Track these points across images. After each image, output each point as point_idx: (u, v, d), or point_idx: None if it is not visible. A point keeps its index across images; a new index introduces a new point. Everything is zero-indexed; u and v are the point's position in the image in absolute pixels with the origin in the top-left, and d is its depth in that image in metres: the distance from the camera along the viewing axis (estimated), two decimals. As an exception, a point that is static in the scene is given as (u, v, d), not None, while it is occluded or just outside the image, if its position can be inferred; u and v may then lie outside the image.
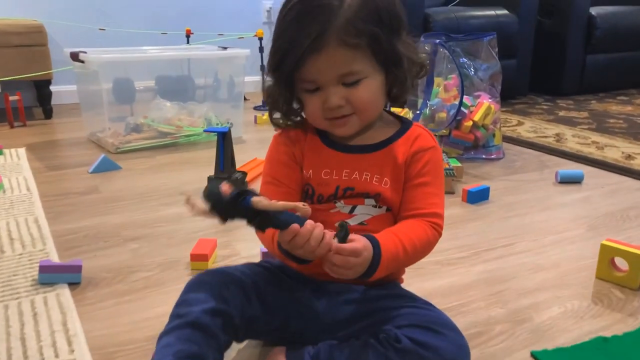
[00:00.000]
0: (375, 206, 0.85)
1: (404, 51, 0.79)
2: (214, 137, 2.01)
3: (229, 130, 1.66)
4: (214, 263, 1.26)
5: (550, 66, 3.46)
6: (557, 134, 2.51)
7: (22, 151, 2.20)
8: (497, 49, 2.10)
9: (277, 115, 0.86)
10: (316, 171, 0.85)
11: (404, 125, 0.88)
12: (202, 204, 0.66)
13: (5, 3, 3.01)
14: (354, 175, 0.84)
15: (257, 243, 1.27)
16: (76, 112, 2.59)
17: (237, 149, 1.82)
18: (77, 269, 1.17)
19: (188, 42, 3.22)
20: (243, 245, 1.35)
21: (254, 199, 0.67)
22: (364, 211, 0.85)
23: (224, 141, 1.66)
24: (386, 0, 0.77)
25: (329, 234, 0.72)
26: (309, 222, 0.70)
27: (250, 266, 0.87)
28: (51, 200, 1.67)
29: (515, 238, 1.42)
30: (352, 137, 0.85)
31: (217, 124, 2.50)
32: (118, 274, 1.22)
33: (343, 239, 0.73)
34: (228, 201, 0.65)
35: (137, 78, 2.58)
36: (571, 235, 1.44)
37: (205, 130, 1.76)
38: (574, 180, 1.86)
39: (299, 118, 0.86)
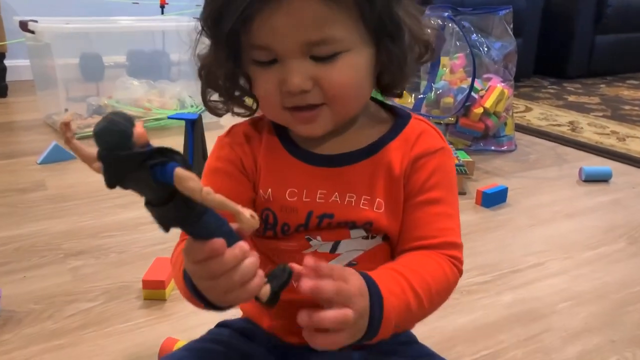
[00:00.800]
0: (366, 237, 0.58)
1: (406, 20, 0.53)
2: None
3: (200, 117, 1.38)
4: (172, 291, 0.99)
5: (556, 47, 3.20)
6: (571, 122, 2.27)
7: (-37, 136, 1.90)
8: (512, 25, 1.83)
9: (215, 96, 0.58)
10: (278, 190, 0.57)
11: (400, 119, 0.60)
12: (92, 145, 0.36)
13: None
14: (332, 198, 0.56)
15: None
16: (34, 89, 2.30)
17: (213, 136, 1.54)
18: (-7, 301, 0.90)
19: (162, 14, 2.90)
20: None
21: (179, 171, 0.36)
22: (352, 247, 0.58)
23: (194, 130, 1.38)
24: None
25: (261, 275, 0.45)
26: (242, 245, 0.43)
27: (193, 348, 0.61)
28: (-15, 200, 1.39)
29: (544, 255, 1.17)
30: (325, 139, 0.58)
31: (192, 107, 2.21)
32: (49, 305, 0.95)
33: (280, 287, 0.46)
34: (129, 156, 0.35)
35: (106, 53, 2.29)
36: (610, 252, 1.20)
37: (169, 117, 1.48)
38: (600, 179, 1.62)
39: (253, 105, 0.59)
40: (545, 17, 3.09)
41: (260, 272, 0.44)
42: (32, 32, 1.88)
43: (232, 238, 0.42)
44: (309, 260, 0.46)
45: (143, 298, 0.97)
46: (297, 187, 0.57)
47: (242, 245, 0.43)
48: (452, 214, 0.58)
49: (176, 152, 0.37)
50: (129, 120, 0.34)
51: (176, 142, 1.87)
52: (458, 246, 0.58)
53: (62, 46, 1.95)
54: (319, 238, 0.57)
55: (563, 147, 1.96)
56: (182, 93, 2.22)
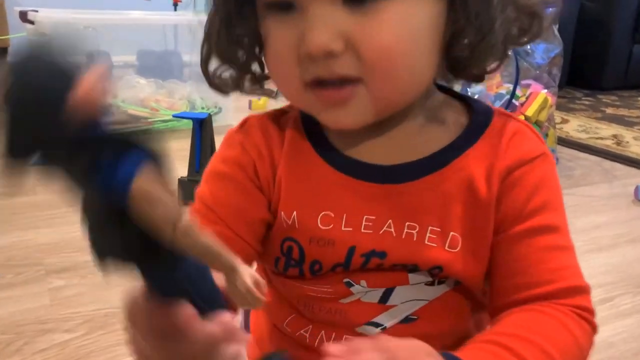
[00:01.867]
0: (431, 283, 0.41)
1: None
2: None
3: (209, 117, 1.22)
4: (170, 321, 0.82)
5: (591, 56, 3.02)
6: (615, 136, 2.08)
7: (-46, 133, 1.75)
8: (558, 26, 1.66)
9: (223, 68, 0.42)
10: (306, 214, 0.41)
11: (478, 116, 0.42)
12: None
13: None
14: (384, 227, 0.40)
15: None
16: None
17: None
18: (-53, 331, 0.73)
19: (175, 10, 2.77)
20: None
21: (141, 183, 0.21)
22: (410, 296, 0.41)
23: (202, 132, 1.22)
24: None
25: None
26: (226, 320, 0.28)
27: None
28: (-35, 204, 1.23)
29: (613, 288, 0.99)
30: (372, 140, 0.41)
31: (203, 109, 2.06)
32: (19, 335, 0.79)
33: None
34: (54, 139, 0.20)
35: (114, 52, 2.15)
36: (690, 286, 1.01)
37: (174, 116, 1.32)
38: (659, 199, 1.43)
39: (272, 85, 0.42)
40: (580, 25, 2.91)
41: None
42: (32, 22, 1.74)
43: (213, 303, 0.26)
44: (333, 350, 0.30)
45: (132, 330, 0.80)
46: (334, 211, 0.40)
47: (227, 320, 0.27)
48: (566, 246, 0.41)
49: (134, 141, 0.21)
50: (69, 71, 0.19)
51: (183, 146, 1.72)
52: (584, 290, 0.41)
53: (69, 44, 1.81)
54: (363, 283, 0.41)
55: (610, 162, 1.78)
56: (193, 94, 2.06)
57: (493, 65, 0.41)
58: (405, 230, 0.40)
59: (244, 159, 0.42)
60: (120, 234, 0.22)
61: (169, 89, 2.06)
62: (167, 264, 0.24)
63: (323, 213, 0.40)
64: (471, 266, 0.40)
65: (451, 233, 0.40)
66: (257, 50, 0.40)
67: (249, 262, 0.42)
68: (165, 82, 2.09)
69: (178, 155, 1.64)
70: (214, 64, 0.42)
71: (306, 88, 0.37)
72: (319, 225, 0.40)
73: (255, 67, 0.41)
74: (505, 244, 0.40)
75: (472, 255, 0.40)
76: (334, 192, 0.41)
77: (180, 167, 1.51)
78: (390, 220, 0.40)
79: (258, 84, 0.42)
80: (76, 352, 0.76)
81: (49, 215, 1.19)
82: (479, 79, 0.43)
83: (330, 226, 0.40)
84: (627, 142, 2.01)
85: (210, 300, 0.26)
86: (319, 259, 0.41)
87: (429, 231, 0.40)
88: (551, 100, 1.67)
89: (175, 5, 2.78)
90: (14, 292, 0.89)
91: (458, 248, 0.40)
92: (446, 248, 0.40)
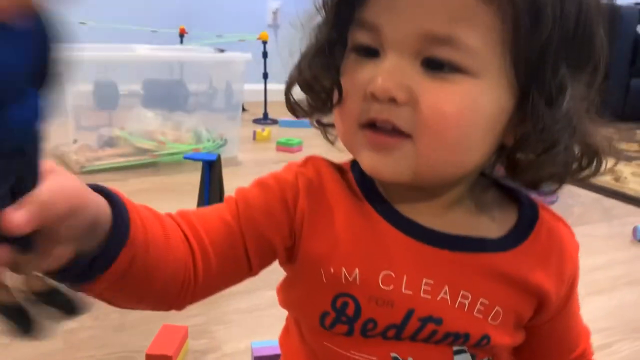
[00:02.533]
0: None
1: (573, 91, 0.39)
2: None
3: (218, 158, 1.25)
4: (182, 366, 0.84)
5: (589, 89, 3.07)
6: (612, 171, 2.11)
7: (-35, 165, 1.79)
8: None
9: (303, 93, 0.46)
10: (369, 272, 0.42)
11: (526, 211, 0.46)
12: None
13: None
14: (441, 294, 0.42)
15: (245, 329, 0.88)
16: (45, 116, 2.20)
17: (230, 173, 1.42)
18: (-34, 377, 0.75)
19: (182, 43, 2.82)
20: (226, 333, 0.94)
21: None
22: None
23: (211, 172, 1.25)
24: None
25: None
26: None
27: None
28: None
29: (611, 334, 1.02)
30: (427, 206, 0.44)
31: (208, 140, 2.10)
32: (34, 381, 0.80)
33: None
34: None
35: (121, 81, 2.20)
36: (687, 332, 1.03)
37: (185, 157, 1.36)
38: (658, 239, 1.46)
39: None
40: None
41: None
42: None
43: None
44: None
45: (145, 376, 0.82)
46: (395, 271, 0.42)
47: None
48: (578, 307, 0.50)
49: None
50: None
51: (193, 178, 1.75)
52: (589, 338, 0.53)
53: (75, 73, 1.85)
54: (410, 359, 0.42)
55: (608, 199, 1.81)
56: (199, 126, 2.11)
57: (552, 187, 0.44)
58: (459, 299, 0.42)
59: (291, 184, 0.44)
60: None
61: (175, 122, 2.09)
62: None
63: (384, 273, 0.42)
64: (506, 338, 0.45)
65: (496, 307, 0.43)
66: (334, 86, 0.43)
67: (237, 271, 0.42)
68: (172, 115, 2.13)
69: (184, 189, 1.68)
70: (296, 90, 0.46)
71: (359, 127, 0.40)
72: (380, 284, 0.42)
73: (331, 96, 0.44)
74: (546, 327, 0.47)
75: (508, 329, 0.45)
76: (395, 252, 0.42)
77: (187, 201, 1.54)
78: (446, 287, 0.42)
79: (325, 114, 0.45)
80: (91, 398, 0.78)
81: (60, 253, 1.22)
82: (534, 187, 0.45)
83: (391, 287, 0.42)
84: (626, 177, 2.04)
85: None
86: (375, 318, 0.42)
87: (479, 303, 0.43)
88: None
89: (181, 36, 2.84)
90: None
91: (498, 321, 0.43)
92: (489, 320, 0.43)
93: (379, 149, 0.40)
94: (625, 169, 2.16)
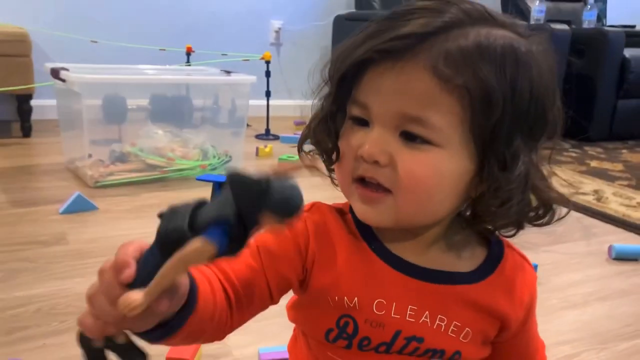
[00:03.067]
0: None
1: (525, 160, 0.48)
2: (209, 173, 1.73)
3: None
4: (197, 368, 0.96)
5: (578, 110, 3.20)
6: (596, 191, 2.23)
7: (-14, 179, 1.90)
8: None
9: (308, 145, 0.56)
10: (365, 299, 0.52)
11: (493, 248, 0.56)
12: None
13: (-12, 6, 2.73)
14: (422, 318, 0.52)
15: (253, 336, 0.99)
16: (58, 130, 2.31)
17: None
18: (12, 375, 0.87)
19: (188, 61, 2.95)
20: (236, 339, 1.05)
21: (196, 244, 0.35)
22: None
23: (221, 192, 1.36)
24: (541, 77, 0.48)
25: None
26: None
27: None
28: (5, 252, 1.37)
29: (580, 344, 1.13)
30: (413, 245, 0.54)
31: (214, 157, 2.22)
32: (69, 379, 0.92)
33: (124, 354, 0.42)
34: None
35: (129, 96, 2.30)
36: (648, 343, 1.15)
37: (198, 179, 1.47)
38: (631, 258, 1.57)
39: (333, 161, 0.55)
40: (568, 80, 3.09)
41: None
42: (63, 80, 1.90)
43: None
44: None
45: (166, 376, 0.94)
46: (387, 299, 0.52)
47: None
48: (536, 325, 0.60)
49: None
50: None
51: (201, 193, 1.85)
52: (544, 353, 0.62)
53: (90, 93, 1.97)
54: None
55: (589, 218, 1.93)
56: (205, 143, 2.22)
57: (511, 232, 0.53)
58: (437, 322, 0.52)
59: (302, 231, 0.53)
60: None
61: (183, 138, 2.21)
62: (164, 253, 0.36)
63: (378, 300, 0.52)
64: (475, 353, 0.55)
65: (466, 328, 0.53)
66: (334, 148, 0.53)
67: (262, 303, 0.53)
68: (180, 132, 2.25)
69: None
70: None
71: (352, 182, 0.50)
72: (374, 310, 0.52)
73: (332, 154, 0.54)
74: (508, 342, 0.57)
75: (476, 346, 0.55)
76: (386, 283, 0.52)
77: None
78: (427, 312, 0.52)
79: (329, 165, 0.55)
80: (119, 395, 0.89)
81: (81, 265, 1.33)
82: (491, 233, 0.55)
83: (383, 312, 0.51)
84: (607, 197, 2.16)
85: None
86: (369, 336, 0.52)
87: (452, 325, 0.53)
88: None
89: (188, 55, 2.96)
90: (62, 339, 1.03)
91: (468, 339, 0.53)
92: (460, 339, 0.53)
93: (366, 202, 0.50)
94: (607, 189, 2.28)
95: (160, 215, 0.37)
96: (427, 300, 0.52)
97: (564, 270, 1.48)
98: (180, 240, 0.34)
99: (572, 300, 1.32)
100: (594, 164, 2.73)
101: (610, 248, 1.59)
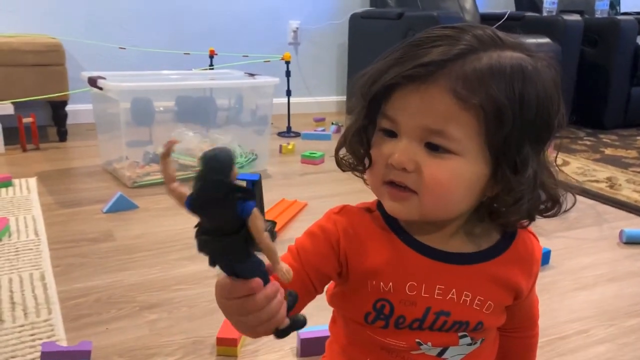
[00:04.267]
0: (470, 344, 0.64)
1: (533, 163, 0.56)
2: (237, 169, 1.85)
3: (260, 179, 1.49)
4: (242, 347, 1.08)
5: (593, 98, 3.26)
6: (609, 179, 2.31)
7: (32, 182, 2.04)
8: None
9: (344, 152, 0.65)
10: (399, 283, 0.60)
11: (507, 230, 0.64)
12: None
13: (21, 18, 2.88)
14: (449, 295, 0.60)
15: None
16: (93, 133, 2.45)
17: (266, 195, 1.65)
18: (86, 354, 0.99)
19: (211, 64, 3.07)
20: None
21: (256, 210, 0.42)
22: (457, 352, 0.64)
23: (254, 189, 1.48)
24: (546, 90, 0.56)
25: (283, 313, 0.50)
26: (274, 284, 0.48)
27: None
28: (61, 249, 1.50)
29: (589, 321, 1.22)
30: (437, 234, 0.62)
31: (241, 156, 2.34)
32: (132, 358, 1.04)
33: (293, 328, 0.51)
34: (226, 183, 0.40)
35: (156, 98, 2.42)
36: (654, 319, 1.24)
37: (233, 178, 1.59)
38: (640, 241, 1.66)
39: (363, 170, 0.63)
40: (582, 69, 3.16)
41: (283, 310, 0.49)
42: (101, 88, 2.04)
43: (266, 278, 0.46)
44: None
45: (216, 354, 1.06)
46: (417, 281, 0.60)
47: (274, 284, 0.48)
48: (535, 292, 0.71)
49: (254, 194, 0.42)
50: (232, 157, 0.41)
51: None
52: (537, 306, 0.73)
53: (125, 98, 2.09)
54: (429, 344, 0.61)
55: (602, 205, 2.01)
56: (232, 143, 2.34)
57: (525, 224, 0.62)
58: (463, 297, 0.60)
59: (332, 231, 0.61)
60: (235, 238, 0.42)
61: (212, 139, 2.33)
62: (249, 255, 0.43)
63: (409, 283, 0.60)
64: (495, 321, 0.65)
65: (488, 302, 0.61)
66: (366, 156, 0.62)
67: (309, 294, 0.62)
68: (208, 133, 2.37)
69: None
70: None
71: (383, 184, 0.58)
72: (407, 291, 0.60)
73: (365, 160, 0.61)
74: (517, 306, 0.67)
75: (495, 315, 0.64)
76: (416, 268, 0.60)
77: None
78: (453, 289, 0.60)
79: (362, 172, 0.63)
80: (177, 371, 1.02)
81: (129, 259, 1.46)
82: (506, 227, 0.63)
83: (414, 292, 0.59)
84: (620, 184, 2.23)
85: (265, 276, 0.46)
86: (404, 314, 0.60)
87: (477, 299, 0.61)
88: (548, 150, 1.91)
89: (211, 57, 3.08)
90: (121, 324, 1.16)
91: (490, 311, 0.63)
92: (484, 310, 0.61)
93: (395, 199, 0.58)
94: (621, 176, 2.36)
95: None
96: (453, 280, 0.60)
97: (576, 255, 1.58)
98: (233, 221, 0.42)
99: (583, 281, 1.42)
100: (608, 151, 2.80)
101: (621, 232, 1.68)
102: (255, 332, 0.50)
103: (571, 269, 1.48)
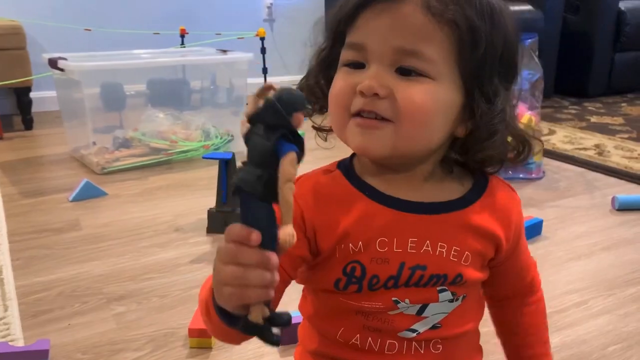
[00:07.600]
0: (451, 300, 0.58)
1: (503, 100, 0.54)
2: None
3: (233, 157, 1.39)
4: (219, 338, 0.99)
5: (576, 66, 3.20)
6: (597, 146, 2.25)
7: (-6, 172, 1.92)
8: (538, 52, 1.83)
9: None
10: (368, 241, 0.55)
11: (478, 178, 0.60)
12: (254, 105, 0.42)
13: (-21, 1, 2.72)
14: (424, 247, 0.56)
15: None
16: (59, 120, 2.33)
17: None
18: (43, 354, 0.90)
19: (182, 43, 2.93)
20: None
21: (293, 155, 0.40)
22: (438, 310, 0.58)
23: (227, 168, 1.39)
24: (511, 31, 0.55)
25: (271, 295, 0.43)
26: (273, 256, 0.42)
27: None
28: (22, 241, 1.40)
29: (587, 292, 1.16)
30: (405, 186, 0.57)
31: (216, 137, 2.24)
32: (97, 355, 0.95)
33: (271, 322, 0.43)
34: (284, 118, 0.40)
35: (127, 82, 2.30)
36: (654, 287, 1.18)
37: (204, 157, 1.49)
38: (634, 207, 1.60)
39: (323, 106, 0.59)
40: (564, 37, 3.09)
41: (272, 289, 0.43)
42: (62, 69, 1.91)
43: (270, 245, 0.42)
44: None
45: (189, 346, 0.97)
46: (388, 237, 0.55)
47: (274, 257, 0.42)
48: (526, 246, 0.64)
49: (302, 143, 0.41)
50: (304, 102, 0.41)
51: (206, 173, 1.89)
52: (536, 269, 0.67)
53: (90, 81, 1.98)
54: (407, 301, 0.56)
55: (592, 172, 1.95)
56: (206, 124, 2.24)
57: (495, 168, 0.59)
58: (438, 249, 0.56)
59: (294, 207, 0.56)
60: (261, 173, 0.40)
61: (184, 121, 2.23)
62: (267, 200, 0.41)
63: (379, 239, 0.55)
64: (475, 274, 0.58)
65: (466, 252, 0.57)
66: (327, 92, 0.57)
67: (284, 283, 0.57)
68: (181, 114, 2.26)
69: (199, 184, 1.82)
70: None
71: (350, 116, 0.53)
72: (377, 248, 0.55)
73: (324, 101, 0.58)
74: (503, 263, 0.61)
75: (476, 268, 0.58)
76: (385, 222, 0.55)
77: (202, 195, 1.68)
78: (427, 241, 0.55)
79: (322, 114, 0.60)
80: (146, 367, 0.93)
81: (97, 249, 1.36)
82: (480, 166, 0.59)
83: (386, 249, 0.55)
84: (609, 151, 2.18)
85: (270, 241, 0.42)
86: (377, 274, 0.55)
87: (453, 250, 0.56)
88: (535, 120, 1.84)
89: (182, 37, 2.96)
90: (85, 318, 1.06)
91: (469, 262, 0.57)
92: (462, 262, 0.57)
93: (367, 129, 0.52)
94: (609, 142, 2.30)
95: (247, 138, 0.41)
96: (426, 231, 0.56)
97: (569, 224, 1.51)
98: (266, 153, 0.40)
99: (578, 251, 1.35)
100: (593, 119, 2.74)
101: (613, 199, 1.62)
102: (238, 295, 0.43)
103: (565, 239, 1.41)
